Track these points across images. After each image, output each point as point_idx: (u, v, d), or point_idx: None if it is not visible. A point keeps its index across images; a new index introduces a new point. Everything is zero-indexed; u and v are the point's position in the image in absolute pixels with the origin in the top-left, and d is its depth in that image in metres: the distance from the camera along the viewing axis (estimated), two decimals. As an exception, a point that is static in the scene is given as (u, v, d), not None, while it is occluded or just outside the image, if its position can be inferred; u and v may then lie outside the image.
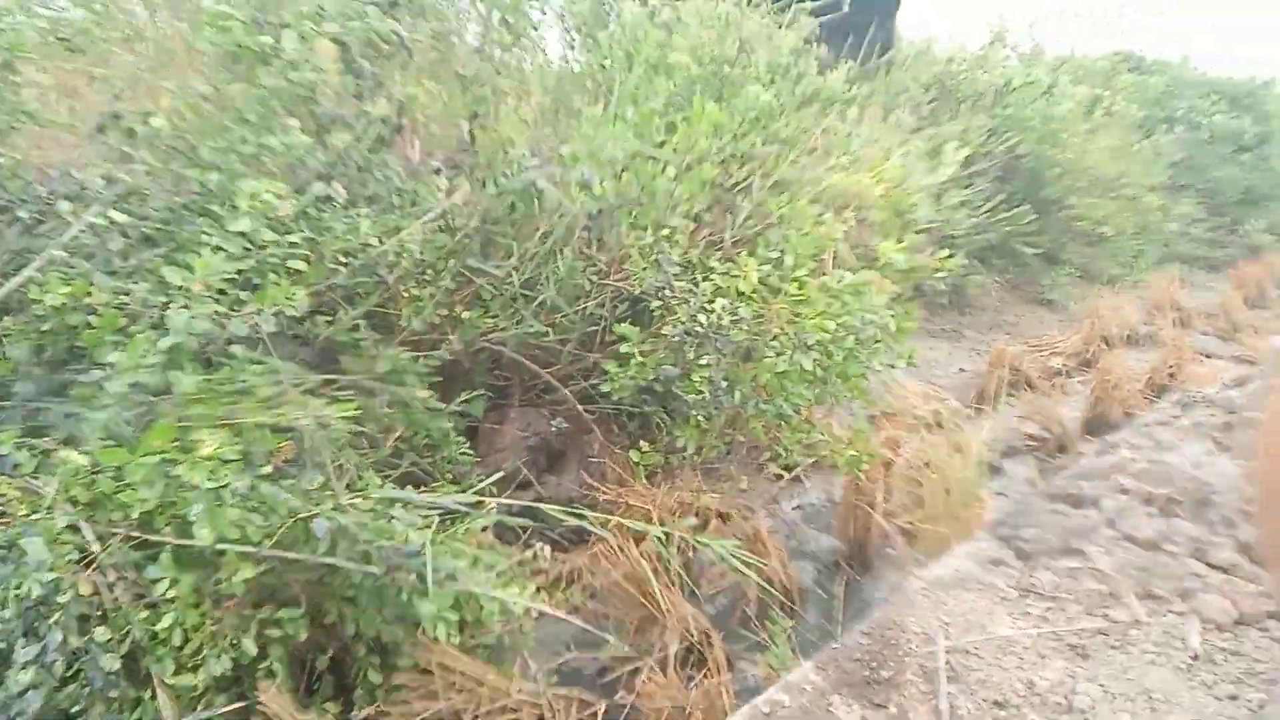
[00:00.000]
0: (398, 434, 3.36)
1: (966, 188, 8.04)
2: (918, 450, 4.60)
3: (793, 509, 4.82)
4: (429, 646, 2.39)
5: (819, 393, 3.79)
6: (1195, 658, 1.72)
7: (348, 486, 2.85)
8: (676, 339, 3.60)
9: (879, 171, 4.33)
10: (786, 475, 4.17)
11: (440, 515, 2.93)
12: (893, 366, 3.68)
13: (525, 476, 3.91)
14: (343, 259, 3.14)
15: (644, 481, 4.05)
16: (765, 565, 3.77)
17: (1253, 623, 1.83)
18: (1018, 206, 8.40)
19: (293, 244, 2.60)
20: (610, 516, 3.84)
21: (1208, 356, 7.88)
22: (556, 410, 4.21)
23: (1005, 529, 2.15)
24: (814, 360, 3.61)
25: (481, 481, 3.40)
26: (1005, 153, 8.47)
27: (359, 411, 3.17)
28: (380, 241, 3.19)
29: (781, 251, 3.78)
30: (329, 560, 2.13)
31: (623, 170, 3.62)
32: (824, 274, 3.90)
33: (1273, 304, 9.54)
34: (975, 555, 2.09)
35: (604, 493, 3.97)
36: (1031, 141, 8.39)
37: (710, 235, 4.41)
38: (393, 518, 2.57)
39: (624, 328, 3.74)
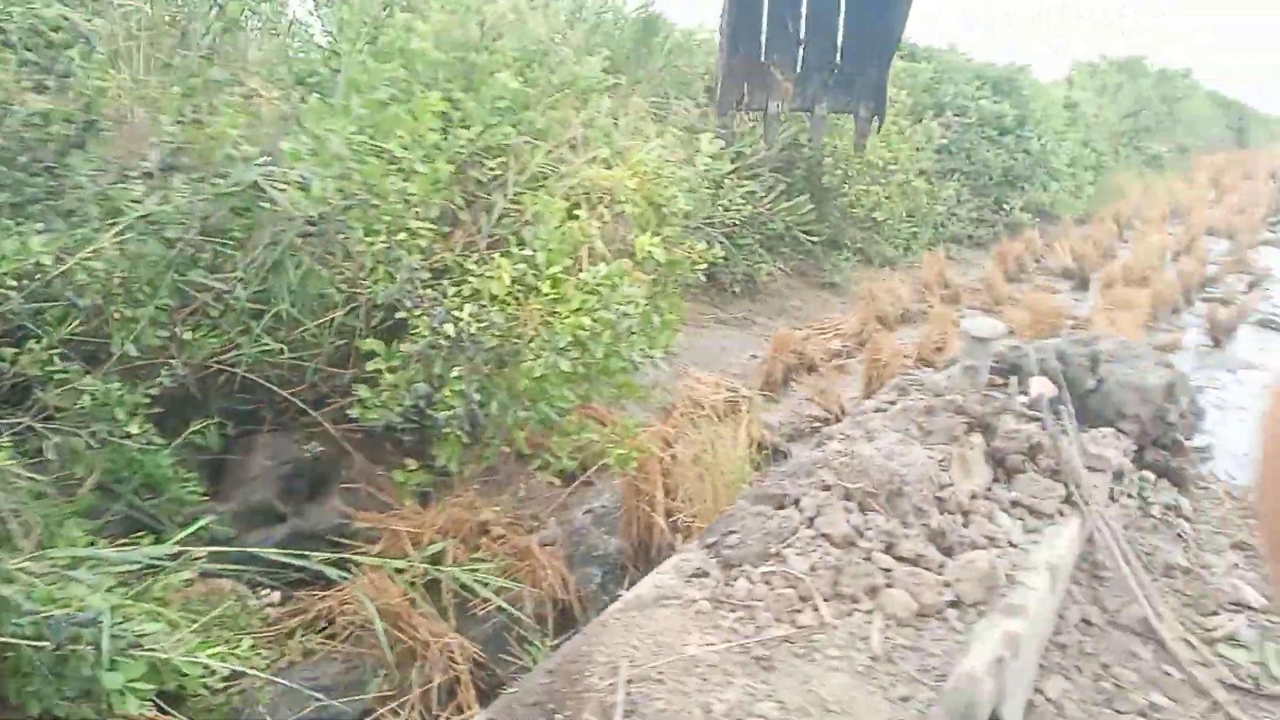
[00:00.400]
0: (112, 476, 2.95)
1: (750, 178, 8.27)
2: (701, 441, 4.62)
3: (584, 513, 4.68)
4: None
5: (585, 392, 3.67)
6: (875, 659, 1.69)
7: (39, 545, 2.48)
8: (424, 352, 3.35)
9: (634, 164, 4.25)
10: (559, 481, 4.00)
11: (139, 569, 2.58)
12: (649, 358, 3.59)
13: (279, 509, 3.54)
14: (12, 283, 2.68)
15: (414, 502, 3.79)
16: (545, 576, 3.65)
17: (933, 614, 1.83)
18: (800, 195, 8.74)
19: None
20: (367, 546, 3.57)
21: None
22: (313, 434, 3.84)
23: (713, 536, 2.07)
24: (573, 360, 3.48)
25: (218, 521, 3.04)
26: (783, 143, 8.78)
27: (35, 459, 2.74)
28: (62, 259, 2.75)
29: (535, 250, 3.61)
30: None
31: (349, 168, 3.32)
32: (581, 270, 3.76)
33: (1030, 277, 10.49)
34: (679, 568, 2.00)
35: (366, 520, 3.67)
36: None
37: (468, 236, 4.18)
38: (75, 579, 2.24)
39: (371, 342, 3.44)
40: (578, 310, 3.50)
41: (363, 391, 3.35)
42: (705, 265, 4.41)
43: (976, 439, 2.36)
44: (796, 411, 6.05)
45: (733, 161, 7.90)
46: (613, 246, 4.26)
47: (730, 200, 6.79)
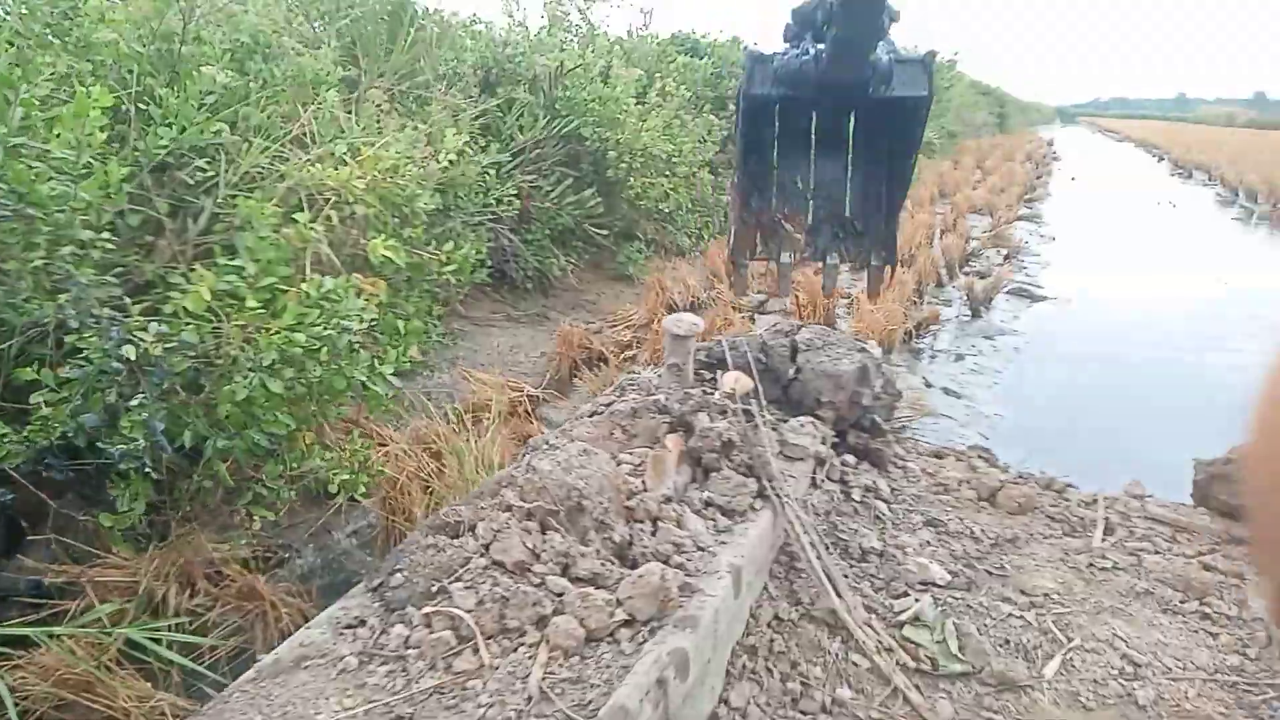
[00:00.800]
0: None
1: (531, 173, 8.08)
2: (473, 448, 4.40)
3: (347, 535, 4.34)
4: None
5: (307, 414, 3.34)
6: (531, 699, 1.54)
7: None
8: (91, 377, 2.90)
9: (368, 162, 3.94)
10: (265, 518, 3.62)
11: None
12: (377, 376, 3.31)
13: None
14: None
15: (131, 546, 3.32)
16: (280, 616, 3.31)
17: (603, 637, 1.71)
18: (587, 189, 8.67)
19: None
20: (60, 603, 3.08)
21: (762, 313, 8.81)
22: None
23: (380, 576, 1.85)
24: (290, 380, 3.15)
25: None
26: (566, 137, 8.67)
27: None
28: None
29: (244, 259, 3.24)
30: None
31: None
32: (303, 280, 3.42)
33: (812, 260, 10.98)
34: (335, 618, 1.77)
35: (67, 571, 3.20)
36: (592, 124, 8.63)
37: (178, 245, 3.73)
38: None
39: (25, 371, 2.95)
40: (294, 326, 3.17)
41: (-1, 427, 2.86)
42: (455, 267, 4.17)
43: (674, 440, 2.29)
44: (579, 408, 5.95)
45: (515, 156, 7.70)
46: (344, 252, 3.94)
47: (502, 195, 6.55)
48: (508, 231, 7.86)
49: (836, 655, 1.99)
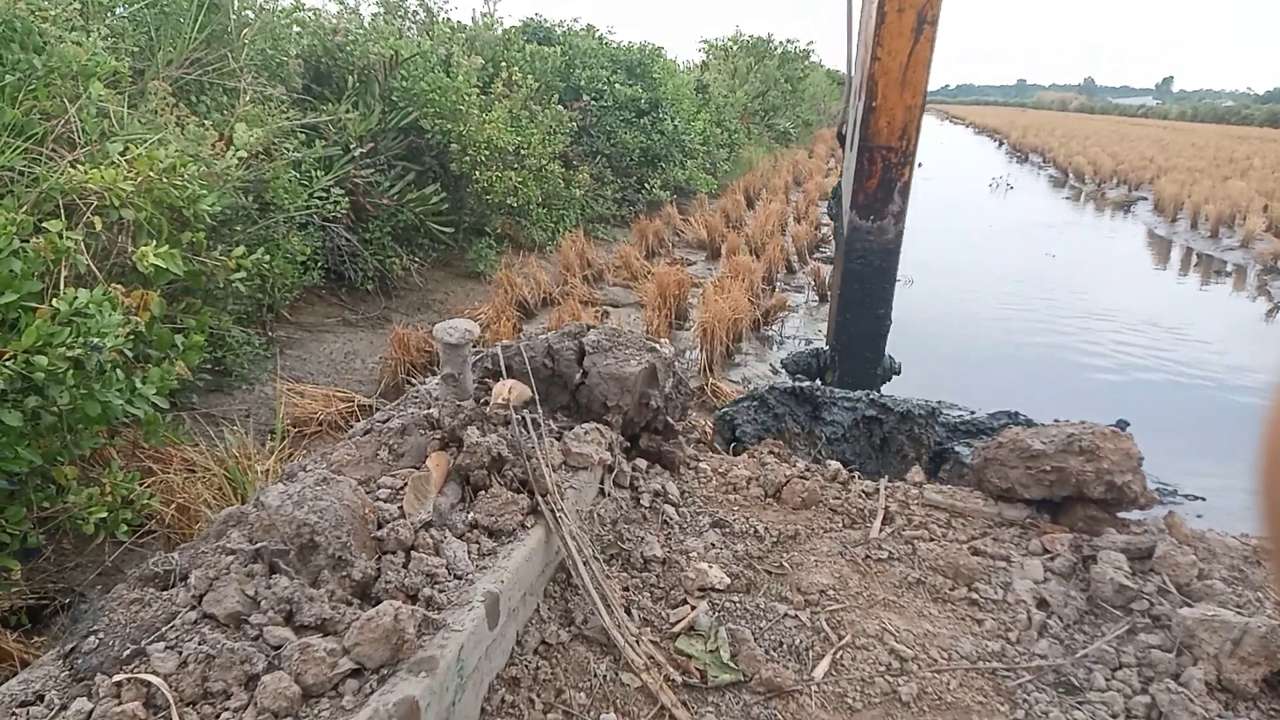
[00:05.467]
0: None
1: (367, 168, 7.68)
2: (279, 470, 4.09)
3: (129, 577, 3.94)
4: None
5: (55, 448, 2.98)
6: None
7: None
8: None
9: (140, 161, 3.56)
10: (8, 569, 3.26)
11: None
12: (137, 398, 2.99)
13: None
14: None
15: None
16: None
17: (325, 692, 1.54)
18: (431, 184, 8.33)
19: None
20: None
21: (614, 306, 8.74)
22: None
23: (74, 639, 1.61)
24: (32, 409, 2.79)
25: None
26: (405, 130, 8.30)
27: None
28: None
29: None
30: None
31: None
32: (55, 295, 3.04)
33: (670, 251, 11.02)
34: (10, 693, 1.53)
35: None
36: (432, 115, 8.30)
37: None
38: None
39: None
40: (37, 348, 2.81)
41: None
42: (244, 274, 3.84)
43: (437, 458, 2.13)
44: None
45: (345, 151, 7.29)
46: (111, 262, 3.57)
47: (326, 191, 6.18)
48: (343, 230, 7.46)
49: (605, 678, 1.90)
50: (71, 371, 2.84)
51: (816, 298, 9.39)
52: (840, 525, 2.47)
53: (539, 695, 1.85)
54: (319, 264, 6.94)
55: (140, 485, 3.34)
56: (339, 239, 7.46)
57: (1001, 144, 44.15)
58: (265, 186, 5.50)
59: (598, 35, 13.95)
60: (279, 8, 7.90)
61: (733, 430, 4.36)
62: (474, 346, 2.40)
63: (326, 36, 8.17)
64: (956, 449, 4.53)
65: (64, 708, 1.51)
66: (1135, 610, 2.22)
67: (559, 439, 2.40)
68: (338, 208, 6.29)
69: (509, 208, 9.10)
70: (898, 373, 5.18)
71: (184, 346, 3.47)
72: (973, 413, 5.01)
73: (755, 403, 4.41)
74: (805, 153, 21.74)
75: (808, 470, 2.73)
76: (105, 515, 2.94)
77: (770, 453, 2.89)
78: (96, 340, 2.89)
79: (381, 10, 9.52)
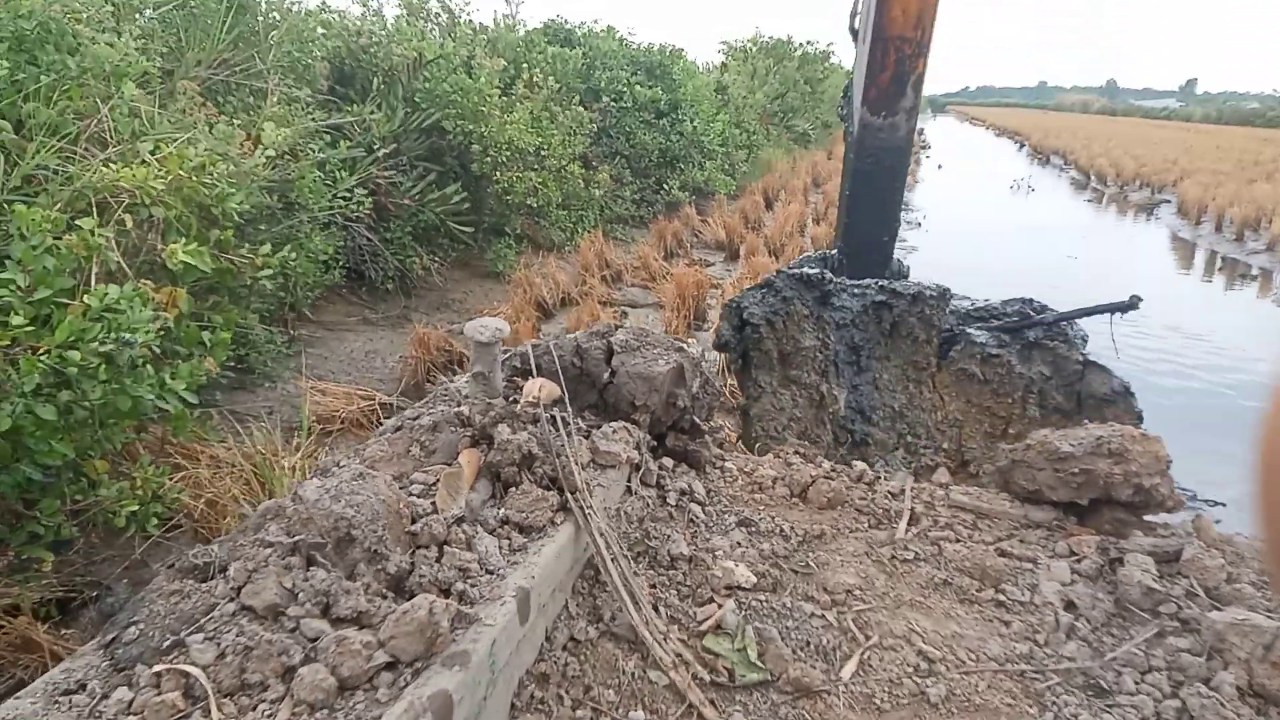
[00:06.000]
0: None
1: (390, 169, 7.74)
2: (305, 466, 4.14)
3: (167, 568, 4.00)
4: None
5: (89, 441, 3.03)
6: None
7: None
8: None
9: (170, 160, 3.61)
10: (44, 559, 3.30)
11: None
12: (168, 394, 3.03)
13: None
14: None
15: None
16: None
17: (360, 685, 1.56)
18: (452, 184, 8.38)
19: None
20: None
21: (633, 307, 8.76)
22: None
23: (116, 629, 1.65)
24: (65, 403, 2.84)
25: None
26: (427, 131, 8.35)
27: None
28: None
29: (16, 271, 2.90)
30: None
31: None
32: (86, 292, 3.10)
33: (688, 252, 11.03)
34: (54, 682, 1.56)
35: None
36: (454, 117, 8.35)
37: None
38: None
39: None
40: (70, 343, 2.86)
41: None
42: (270, 272, 3.89)
43: (469, 454, 2.15)
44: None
45: (368, 151, 7.36)
46: (140, 259, 3.62)
47: (349, 191, 6.23)
48: (365, 230, 7.51)
49: (633, 675, 1.91)
50: (103, 366, 2.89)
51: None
52: (866, 525, 2.47)
53: (568, 691, 1.87)
54: (340, 263, 7.01)
55: (170, 480, 3.39)
56: (360, 238, 7.51)
57: (1023, 146, 43.86)
58: (290, 186, 5.56)
59: (618, 37, 13.97)
60: (305, 10, 7.98)
61: (739, 315, 4.32)
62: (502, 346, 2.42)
63: (351, 38, 8.24)
64: (969, 331, 4.49)
65: (105, 696, 1.54)
66: (1163, 613, 2.20)
67: (587, 437, 2.42)
68: (360, 208, 6.34)
69: (529, 208, 9.14)
70: (905, 277, 5.05)
71: (211, 343, 3.52)
72: (986, 299, 4.98)
73: (763, 288, 4.36)
74: (824, 154, 21.68)
75: (833, 470, 2.73)
76: (136, 509, 2.99)
77: (796, 453, 2.89)
78: (128, 335, 2.94)
79: (404, 12, 9.59)
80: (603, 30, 13.89)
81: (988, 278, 11.26)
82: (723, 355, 5.30)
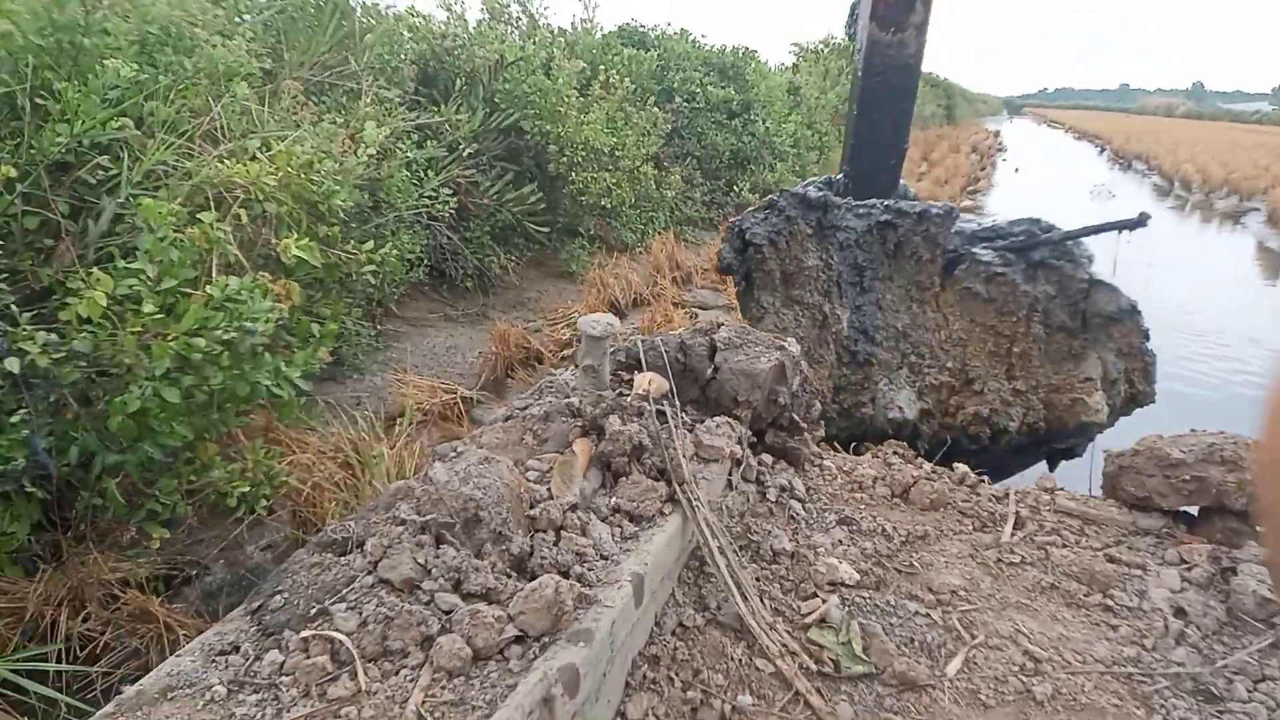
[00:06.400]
0: None
1: (470, 168, 7.93)
2: (393, 454, 4.29)
3: (261, 550, 4.20)
4: None
5: (206, 424, 3.21)
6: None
7: None
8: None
9: (280, 157, 3.79)
10: (160, 536, 3.47)
11: None
12: (283, 380, 3.19)
13: None
14: None
15: (21, 569, 3.17)
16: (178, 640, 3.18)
17: (492, 656, 1.65)
18: (528, 184, 8.54)
19: None
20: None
21: (703, 309, 8.78)
22: None
23: (260, 598, 1.76)
24: (187, 388, 3.02)
25: None
26: (506, 131, 8.53)
27: None
28: None
29: (145, 261, 3.10)
30: None
31: None
32: (208, 282, 3.28)
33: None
34: (208, 645, 1.68)
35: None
36: (532, 117, 8.50)
37: (79, 249, 3.57)
38: None
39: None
40: (195, 330, 3.04)
41: None
42: (374, 266, 4.04)
43: (582, 444, 2.22)
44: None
45: (451, 151, 7.55)
46: (255, 252, 3.80)
47: (435, 191, 6.41)
48: (445, 229, 7.70)
49: (740, 661, 1.95)
50: (225, 353, 3.06)
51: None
52: (970, 528, 2.47)
53: (678, 674, 1.92)
54: (424, 261, 7.21)
55: (277, 464, 3.55)
56: (442, 237, 7.71)
57: (1103, 150, 42.47)
58: (380, 184, 5.75)
59: (690, 39, 14.01)
60: (394, 14, 8.23)
61: (742, 236, 4.29)
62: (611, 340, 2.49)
63: (436, 41, 8.47)
64: (974, 251, 4.37)
65: (258, 658, 1.65)
66: (1278, 624, 2.15)
67: (690, 431, 2.47)
68: (445, 207, 6.51)
69: (602, 209, 9.24)
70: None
71: (320, 334, 3.68)
72: (993, 220, 4.84)
73: (766, 209, 4.32)
74: (895, 157, 21.36)
75: (934, 472, 2.74)
76: (247, 490, 3.15)
77: (895, 453, 2.90)
78: (251, 325, 3.11)
79: (486, 16, 9.81)
80: (675, 33, 13.96)
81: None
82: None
